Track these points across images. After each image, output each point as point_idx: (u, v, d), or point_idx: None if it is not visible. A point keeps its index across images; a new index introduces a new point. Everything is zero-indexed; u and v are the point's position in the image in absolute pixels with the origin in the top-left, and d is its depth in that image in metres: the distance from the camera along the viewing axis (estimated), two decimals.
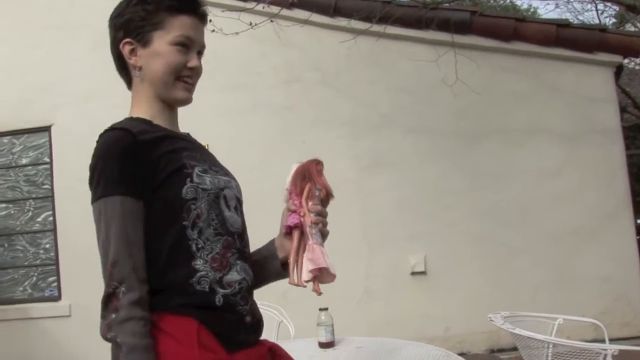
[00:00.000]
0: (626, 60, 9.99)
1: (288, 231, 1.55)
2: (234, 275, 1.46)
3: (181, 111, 1.61)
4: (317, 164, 1.57)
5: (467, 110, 6.17)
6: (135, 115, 1.51)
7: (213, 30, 5.22)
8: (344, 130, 6.28)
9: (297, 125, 6.32)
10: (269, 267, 1.63)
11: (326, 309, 3.06)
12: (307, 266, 1.47)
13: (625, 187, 6.20)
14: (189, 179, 1.42)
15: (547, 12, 25.94)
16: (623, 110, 9.07)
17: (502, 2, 14.36)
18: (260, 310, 1.55)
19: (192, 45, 1.53)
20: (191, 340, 1.34)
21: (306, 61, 6.40)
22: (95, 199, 1.36)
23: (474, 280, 6.04)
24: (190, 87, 1.56)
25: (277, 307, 3.79)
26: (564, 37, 6.26)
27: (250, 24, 5.28)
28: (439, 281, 6.09)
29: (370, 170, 6.16)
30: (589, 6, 12.10)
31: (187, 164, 1.43)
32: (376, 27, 5.93)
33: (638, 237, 6.62)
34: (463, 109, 6.15)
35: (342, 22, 6.26)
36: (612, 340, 5.40)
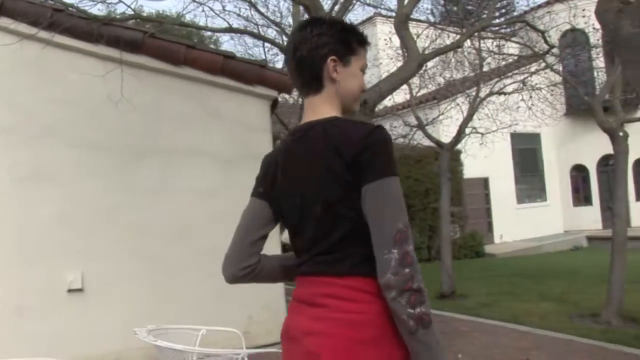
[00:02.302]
0: (287, 96, 11.10)
1: None
2: None
3: None
4: None
5: (131, 128, 6.24)
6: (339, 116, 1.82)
7: None
8: (0, 138, 5.86)
9: None
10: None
11: None
12: None
13: None
14: None
15: (225, 41, 27.23)
16: (277, 139, 10.03)
17: (184, 31, 14.75)
18: None
19: (364, 72, 1.91)
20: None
21: None
22: (389, 175, 1.63)
23: (134, 297, 6.09)
24: None
25: None
26: (228, 68, 6.75)
27: None
28: (97, 298, 6.00)
29: (28, 182, 5.82)
30: (260, 42, 13.14)
31: None
32: (44, 34, 5.72)
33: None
34: (127, 127, 6.21)
35: (7, 23, 5.88)
36: (259, 346, 5.97)
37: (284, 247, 8.41)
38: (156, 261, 6.24)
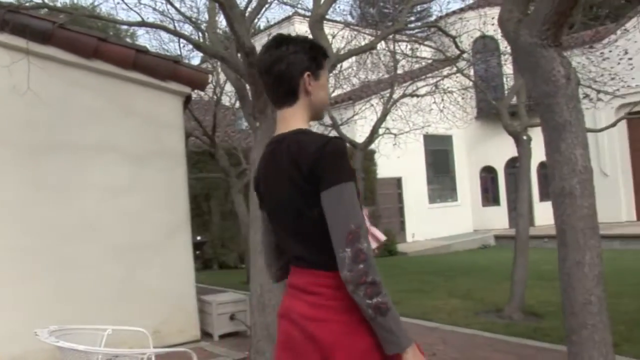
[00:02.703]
0: (202, 93, 10.96)
1: None
2: None
3: None
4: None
5: (37, 122, 6.01)
6: (305, 128, 2.02)
7: None
8: None
9: None
10: None
11: None
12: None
13: (185, 207, 6.80)
14: None
15: (141, 35, 26.59)
16: (190, 136, 9.89)
17: (99, 23, 14.28)
18: None
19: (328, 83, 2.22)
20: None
21: None
22: (340, 182, 1.83)
23: (38, 297, 5.85)
24: None
25: None
26: (141, 62, 6.61)
27: None
28: None
29: None
30: (176, 37, 12.87)
31: None
32: None
33: (198, 252, 7.31)
34: (33, 120, 5.98)
35: None
36: (171, 346, 5.86)
37: (195, 245, 8.32)
38: (61, 260, 6.02)
